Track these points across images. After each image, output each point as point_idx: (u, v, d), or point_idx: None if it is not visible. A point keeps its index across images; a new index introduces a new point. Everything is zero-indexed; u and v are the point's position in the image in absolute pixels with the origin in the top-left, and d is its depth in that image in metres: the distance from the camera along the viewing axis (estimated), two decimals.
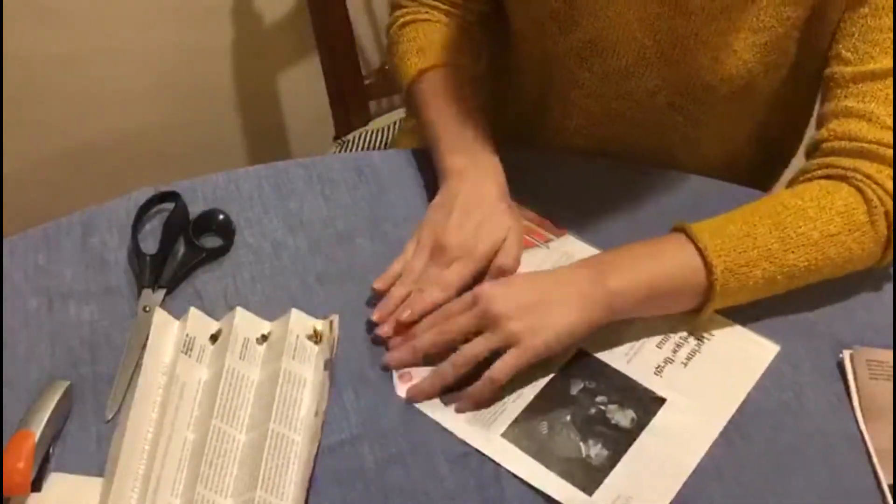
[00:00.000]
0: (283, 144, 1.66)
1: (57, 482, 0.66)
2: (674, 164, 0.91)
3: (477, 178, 0.82)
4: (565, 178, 0.89)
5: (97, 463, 0.67)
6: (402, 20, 0.95)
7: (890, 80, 0.78)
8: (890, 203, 0.75)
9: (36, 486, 0.64)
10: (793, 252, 0.74)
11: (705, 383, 0.73)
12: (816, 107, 0.86)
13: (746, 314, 0.78)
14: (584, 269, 0.75)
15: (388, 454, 0.69)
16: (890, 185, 0.75)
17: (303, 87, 1.54)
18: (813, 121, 0.87)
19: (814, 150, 0.82)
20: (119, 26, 1.39)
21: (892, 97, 0.77)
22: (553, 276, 0.75)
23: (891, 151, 0.76)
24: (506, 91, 0.99)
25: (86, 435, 0.69)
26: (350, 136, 1.34)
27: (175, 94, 1.50)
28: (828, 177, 0.78)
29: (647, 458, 0.68)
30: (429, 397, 0.72)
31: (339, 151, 1.33)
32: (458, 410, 0.71)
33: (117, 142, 1.51)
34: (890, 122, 0.77)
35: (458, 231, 0.79)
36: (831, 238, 0.75)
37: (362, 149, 1.32)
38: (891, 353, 0.75)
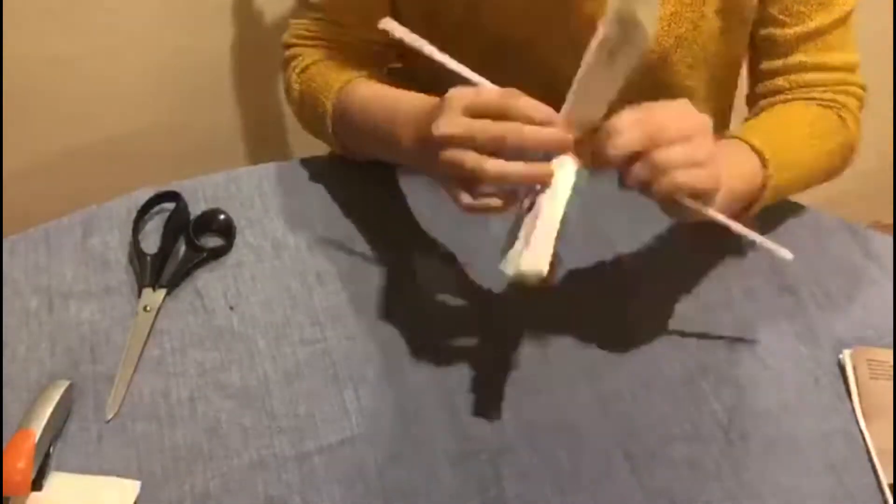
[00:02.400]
0: (283, 144, 1.66)
1: (57, 482, 0.66)
2: None
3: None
4: None
5: (97, 463, 0.67)
6: (302, 65, 0.89)
7: (833, 31, 0.85)
8: (857, 133, 0.88)
9: (36, 485, 0.64)
10: (818, 161, 0.84)
11: None
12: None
13: (748, 312, 0.79)
14: None
15: (388, 454, 0.69)
16: (858, 115, 0.88)
17: None
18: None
19: (772, 94, 0.88)
20: (119, 26, 1.39)
21: (837, 44, 0.86)
22: None
23: (857, 88, 0.87)
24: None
25: (86, 435, 0.69)
26: None
27: (175, 94, 1.50)
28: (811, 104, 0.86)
29: None
30: None
31: None
32: None
33: (117, 142, 1.51)
34: (844, 62, 0.87)
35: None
36: (840, 146, 0.86)
37: None
38: (891, 352, 0.75)
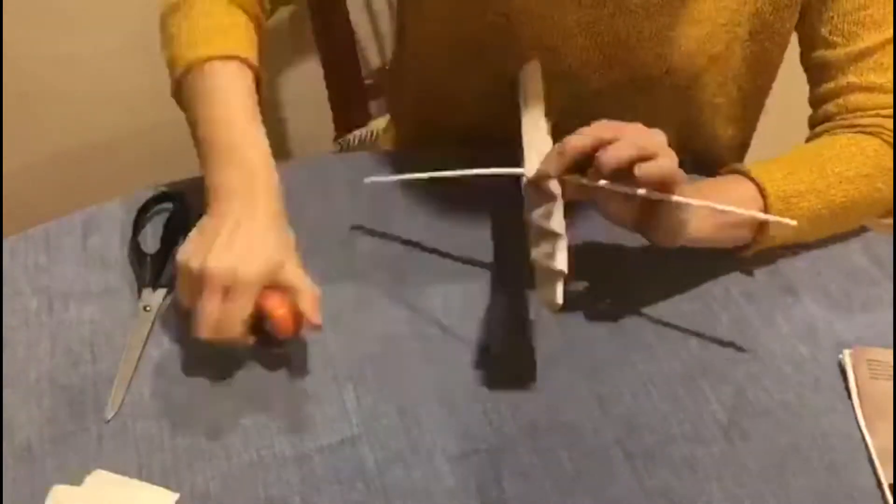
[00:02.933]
0: (283, 144, 1.66)
1: (97, 480, 0.65)
2: None
3: (251, 198, 0.72)
4: None
5: (97, 463, 0.67)
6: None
7: (883, 50, 0.83)
8: None
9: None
10: (833, 188, 0.80)
11: None
12: (768, 85, 0.93)
13: (748, 312, 0.79)
14: None
15: (388, 454, 0.69)
16: None
17: (303, 87, 1.54)
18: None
19: (820, 123, 0.86)
20: (119, 26, 1.39)
21: (887, 63, 0.83)
22: None
23: None
24: (444, 109, 0.97)
25: (86, 435, 0.69)
26: (350, 136, 1.34)
27: None
28: (853, 131, 0.83)
29: None
30: None
31: (340, 151, 1.33)
32: None
33: (117, 142, 1.51)
34: (891, 81, 0.83)
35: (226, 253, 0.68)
36: (865, 178, 0.81)
37: (363, 149, 1.32)
38: (891, 352, 0.75)
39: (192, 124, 0.77)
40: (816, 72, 0.86)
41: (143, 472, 0.67)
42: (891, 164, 0.82)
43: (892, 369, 0.74)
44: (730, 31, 0.84)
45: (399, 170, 0.89)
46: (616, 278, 0.82)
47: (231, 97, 0.76)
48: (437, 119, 0.97)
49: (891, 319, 0.79)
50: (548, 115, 0.82)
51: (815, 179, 0.79)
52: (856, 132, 0.83)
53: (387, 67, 1.30)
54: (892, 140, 0.82)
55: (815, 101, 0.87)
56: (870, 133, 0.82)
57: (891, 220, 0.86)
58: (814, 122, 0.88)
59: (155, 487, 0.66)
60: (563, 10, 0.84)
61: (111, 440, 0.69)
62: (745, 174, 0.79)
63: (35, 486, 0.65)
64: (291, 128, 1.65)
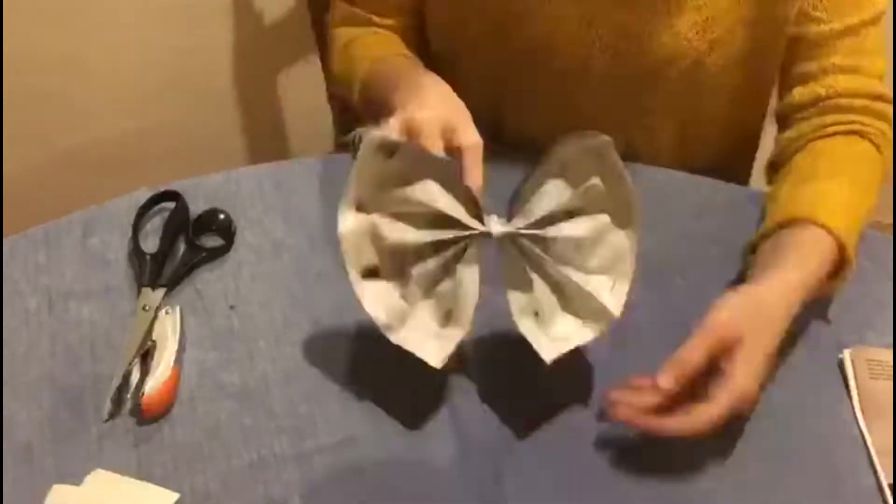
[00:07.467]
0: (283, 144, 1.67)
1: (97, 480, 0.65)
2: (632, 153, 0.92)
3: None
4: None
5: (97, 464, 0.67)
6: (340, 45, 0.96)
7: (866, 31, 0.85)
8: (889, 157, 0.86)
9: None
10: (866, 199, 0.81)
11: None
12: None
13: None
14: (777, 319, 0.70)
15: (388, 454, 0.69)
16: (890, 137, 0.86)
17: (303, 87, 1.54)
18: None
19: (808, 106, 0.87)
20: (119, 26, 1.39)
21: (869, 47, 0.85)
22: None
23: (889, 107, 0.86)
24: None
25: (86, 435, 0.69)
26: (350, 136, 1.34)
27: (175, 94, 1.50)
28: (848, 132, 0.85)
29: None
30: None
31: (339, 151, 1.33)
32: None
33: (117, 142, 1.51)
34: (875, 69, 0.86)
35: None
36: (875, 182, 0.84)
37: None
38: (891, 352, 0.75)
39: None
40: (799, 48, 0.87)
41: (143, 472, 0.67)
42: (880, 177, 0.84)
43: (892, 369, 0.74)
44: (732, 14, 0.84)
45: None
46: None
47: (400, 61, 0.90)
48: None
49: (891, 319, 0.79)
50: None
51: (855, 196, 0.79)
52: (848, 133, 0.84)
53: None
54: (878, 142, 0.84)
55: (795, 80, 0.88)
56: (864, 136, 0.84)
57: (891, 221, 0.86)
58: (796, 105, 0.88)
59: (155, 487, 0.66)
60: (562, 6, 0.84)
61: (111, 440, 0.69)
62: (825, 228, 0.75)
63: (35, 486, 0.65)
64: (291, 128, 1.65)
